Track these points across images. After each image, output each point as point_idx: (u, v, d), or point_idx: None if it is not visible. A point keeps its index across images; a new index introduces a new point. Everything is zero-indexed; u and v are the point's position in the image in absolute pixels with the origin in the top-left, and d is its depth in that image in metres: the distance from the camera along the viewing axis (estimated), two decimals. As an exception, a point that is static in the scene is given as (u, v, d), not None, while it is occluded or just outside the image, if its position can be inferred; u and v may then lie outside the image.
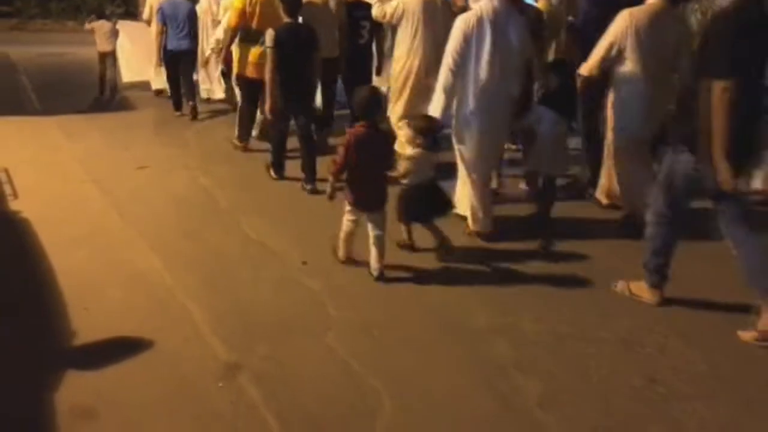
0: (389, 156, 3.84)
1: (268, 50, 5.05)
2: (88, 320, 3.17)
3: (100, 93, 8.96)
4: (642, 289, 3.45)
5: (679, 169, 3.17)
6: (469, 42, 3.89)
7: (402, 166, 3.82)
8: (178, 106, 7.85)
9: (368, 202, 3.69)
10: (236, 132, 6.40)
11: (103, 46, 8.78)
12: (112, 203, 4.89)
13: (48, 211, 4.64)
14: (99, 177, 5.53)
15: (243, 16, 5.72)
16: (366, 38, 6.44)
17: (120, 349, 2.94)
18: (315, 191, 5.02)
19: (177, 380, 2.73)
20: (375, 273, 3.65)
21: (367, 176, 3.64)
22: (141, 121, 8.10)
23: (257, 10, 5.69)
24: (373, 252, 3.66)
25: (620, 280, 3.56)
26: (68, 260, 3.82)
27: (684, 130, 3.15)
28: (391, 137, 4.65)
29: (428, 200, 3.86)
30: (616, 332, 3.16)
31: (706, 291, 3.54)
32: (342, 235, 3.81)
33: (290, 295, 3.51)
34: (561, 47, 5.28)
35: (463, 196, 4.29)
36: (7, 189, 5.08)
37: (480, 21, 3.90)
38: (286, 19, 5.16)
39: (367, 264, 3.71)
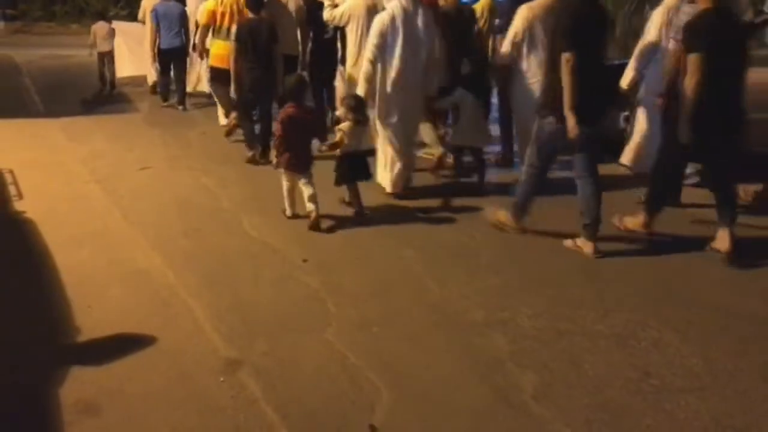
0: (317, 129, 4.72)
1: (233, 44, 5.78)
2: (92, 317, 3.22)
3: (102, 87, 9.73)
4: (506, 218, 4.28)
5: (545, 128, 3.98)
6: (385, 37, 4.64)
7: (337, 137, 4.53)
8: (165, 98, 8.61)
9: (298, 166, 4.47)
10: (221, 111, 7.21)
11: (101, 46, 9.46)
12: (114, 203, 4.96)
13: (52, 211, 4.70)
14: (102, 177, 5.60)
15: (213, 15, 6.43)
16: (330, 33, 6.88)
17: (122, 345, 2.99)
18: (269, 162, 5.52)
19: (178, 375, 2.78)
20: (311, 223, 4.41)
21: (296, 146, 4.43)
22: (144, 122, 8.17)
23: (227, 10, 6.38)
24: (309, 206, 4.44)
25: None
26: (72, 259, 3.88)
27: (547, 99, 4.01)
28: (316, 115, 5.65)
29: (357, 166, 4.62)
30: (612, 327, 3.20)
31: (700, 288, 3.57)
32: (285, 194, 4.60)
33: (290, 292, 3.56)
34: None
35: (381, 167, 5.03)
36: (12, 190, 5.15)
37: (393, 19, 4.64)
38: (249, 16, 5.83)
39: (307, 217, 4.44)
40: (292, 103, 4.51)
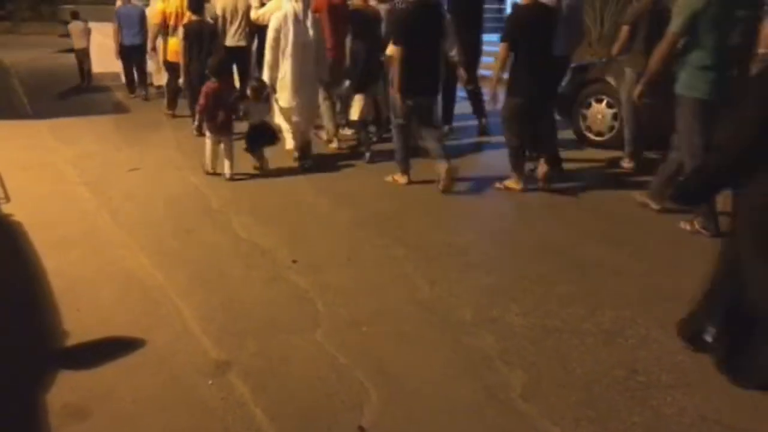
0: (233, 103, 5.75)
1: (181, 41, 6.96)
2: (80, 320, 3.21)
3: (81, 81, 10.73)
4: (397, 177, 5.48)
5: (396, 103, 5.23)
6: (279, 33, 5.63)
7: (242, 111, 5.74)
8: (131, 90, 9.66)
9: (219, 131, 5.62)
10: (165, 103, 8.28)
11: (78, 43, 10.49)
12: (103, 204, 4.94)
13: (40, 214, 4.68)
14: (91, 179, 5.57)
15: (163, 16, 7.63)
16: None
17: (111, 348, 2.98)
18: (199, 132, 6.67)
19: (168, 378, 2.78)
20: (227, 176, 5.55)
21: (217, 115, 5.57)
22: (132, 123, 8.14)
23: (173, 11, 7.52)
24: (226, 163, 5.58)
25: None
26: (60, 261, 3.87)
27: (392, 80, 5.23)
28: (233, 90, 6.55)
29: (260, 135, 5.73)
30: (600, 324, 3.22)
31: (687, 286, 3.59)
32: (208, 153, 5.70)
33: (280, 292, 3.56)
34: None
35: (286, 132, 6.21)
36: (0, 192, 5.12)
37: (286, 19, 5.61)
38: (192, 17, 6.95)
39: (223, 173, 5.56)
40: (216, 79, 5.64)
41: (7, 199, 5.00)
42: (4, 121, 7.86)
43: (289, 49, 5.60)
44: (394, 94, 5.18)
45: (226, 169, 5.57)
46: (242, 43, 7.60)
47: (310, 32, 5.70)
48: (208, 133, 5.68)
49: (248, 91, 5.87)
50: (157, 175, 5.79)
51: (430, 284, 3.65)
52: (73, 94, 9.95)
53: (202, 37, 6.87)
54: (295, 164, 5.98)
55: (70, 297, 3.44)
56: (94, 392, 2.65)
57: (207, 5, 7.29)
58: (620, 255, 4.05)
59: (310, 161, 6.03)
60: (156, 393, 2.67)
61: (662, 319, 3.25)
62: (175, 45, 7.36)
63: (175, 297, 3.47)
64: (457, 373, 2.83)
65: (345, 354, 2.94)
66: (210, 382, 2.74)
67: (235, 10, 7.42)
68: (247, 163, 5.80)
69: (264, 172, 5.78)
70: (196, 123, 6.07)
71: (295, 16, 5.59)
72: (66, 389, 2.67)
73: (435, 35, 5.21)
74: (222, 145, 5.62)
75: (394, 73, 5.11)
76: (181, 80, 7.32)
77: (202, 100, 5.56)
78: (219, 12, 7.38)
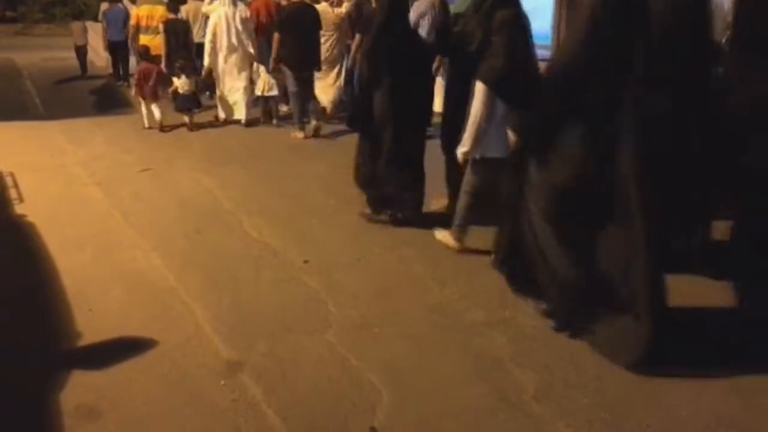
0: (163, 79, 7.57)
1: (162, 34, 8.26)
2: (92, 321, 3.23)
3: (82, 73, 12.06)
4: (297, 134, 7.14)
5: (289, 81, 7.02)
6: (215, 29, 7.35)
7: (175, 84, 7.47)
8: (117, 79, 11.01)
9: (151, 96, 7.48)
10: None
11: (78, 41, 12.14)
12: (115, 205, 4.96)
13: (52, 214, 4.71)
14: (102, 180, 5.60)
15: (136, 19, 9.23)
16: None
17: (123, 348, 2.99)
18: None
19: (179, 378, 2.78)
20: (159, 127, 7.42)
21: (148, 88, 7.42)
22: (143, 123, 8.16)
23: (145, 14, 9.13)
24: (157, 115, 7.42)
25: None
26: (72, 262, 3.89)
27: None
28: (161, 69, 7.85)
29: (188, 102, 7.55)
30: (613, 325, 3.19)
31: (700, 283, 3.56)
32: (144, 113, 7.53)
33: (291, 293, 3.56)
34: None
35: (222, 101, 7.88)
36: (13, 193, 5.16)
37: (220, 18, 7.33)
38: (170, 15, 8.43)
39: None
40: (144, 62, 7.67)
41: (20, 199, 5.04)
42: (18, 122, 7.92)
43: (224, 45, 7.40)
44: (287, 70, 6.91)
45: (159, 121, 7.49)
46: (203, 41, 8.53)
47: (239, 28, 7.38)
48: (141, 100, 7.57)
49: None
50: (168, 175, 5.81)
51: (440, 285, 3.64)
52: (87, 93, 10.29)
53: (178, 32, 8.27)
54: (218, 122, 7.88)
55: (82, 297, 3.46)
56: (106, 393, 2.66)
57: (182, 7, 8.92)
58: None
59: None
60: (168, 394, 2.68)
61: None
62: (149, 41, 8.68)
63: (187, 298, 3.48)
64: (468, 374, 2.81)
65: (356, 355, 2.93)
66: (222, 382, 2.75)
67: (195, 14, 8.98)
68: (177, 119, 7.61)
69: (190, 127, 7.58)
70: (133, 89, 8.03)
71: (227, 18, 7.31)
72: (78, 390, 2.69)
73: (311, 26, 6.91)
74: (153, 107, 7.49)
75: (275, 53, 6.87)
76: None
77: (137, 76, 7.58)
78: (184, 15, 8.90)
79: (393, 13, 4.30)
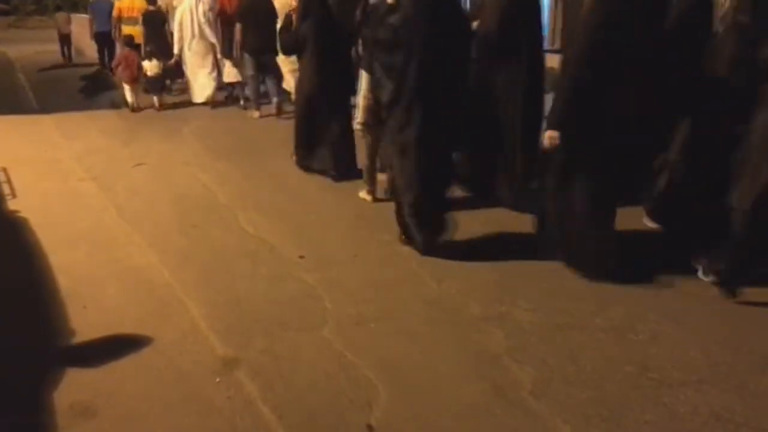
0: (138, 66, 8.33)
1: (142, 24, 8.99)
2: (87, 318, 3.20)
3: (64, 60, 13.07)
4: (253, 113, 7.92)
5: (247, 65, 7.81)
6: (181, 19, 8.14)
7: (147, 69, 8.33)
8: (103, 66, 11.47)
9: (127, 80, 8.31)
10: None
11: (62, 30, 13.12)
12: (110, 200, 4.93)
13: (46, 210, 4.67)
14: (97, 174, 5.57)
15: (118, 11, 9.88)
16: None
17: (118, 345, 2.97)
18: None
19: (175, 376, 2.77)
20: (132, 107, 8.33)
21: (128, 72, 8.25)
22: (138, 117, 8.12)
23: (126, 5, 9.78)
24: (130, 98, 8.33)
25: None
26: (67, 258, 3.86)
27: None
28: (138, 55, 8.58)
29: (155, 84, 8.48)
30: (610, 320, 3.18)
31: (697, 279, 3.55)
32: (127, 95, 8.33)
33: (287, 289, 3.54)
34: None
35: (189, 85, 8.73)
36: (6, 188, 5.13)
37: (185, 11, 8.09)
38: (149, 7, 9.05)
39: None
40: (127, 47, 8.60)
41: (14, 194, 5.00)
42: (11, 116, 7.87)
43: (188, 31, 8.15)
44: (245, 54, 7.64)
45: (132, 101, 8.33)
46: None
47: (202, 20, 8.12)
48: (124, 85, 8.42)
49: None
50: (163, 170, 5.77)
51: (437, 281, 3.62)
52: (80, 86, 10.43)
53: (155, 22, 9.02)
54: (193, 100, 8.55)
55: (76, 294, 3.43)
56: (101, 391, 2.64)
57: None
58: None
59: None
60: (163, 391, 2.66)
61: (673, 314, 3.21)
62: (132, 30, 9.48)
63: (182, 294, 3.46)
64: (466, 370, 2.80)
65: (353, 351, 2.92)
66: (217, 380, 2.73)
67: (171, 6, 9.81)
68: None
69: (160, 107, 8.47)
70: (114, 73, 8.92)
71: (191, 10, 8.07)
72: (73, 388, 2.67)
73: (267, 14, 7.52)
74: (131, 89, 8.33)
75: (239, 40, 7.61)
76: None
77: (116, 62, 8.60)
78: (163, 6, 9.71)
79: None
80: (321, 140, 5.36)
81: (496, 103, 4.44)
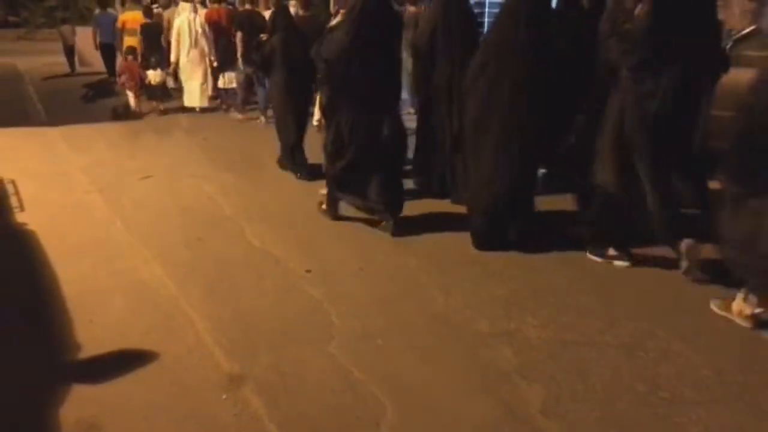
0: (141, 73, 9.19)
1: (140, 35, 9.85)
2: (93, 332, 3.19)
3: (71, 71, 13.76)
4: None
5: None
6: (179, 30, 8.94)
7: (151, 77, 9.19)
8: (110, 74, 12.06)
9: (131, 88, 9.01)
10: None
11: (68, 41, 13.85)
12: (116, 213, 4.93)
13: (53, 222, 4.68)
14: (103, 187, 5.58)
15: (122, 22, 10.66)
16: None
17: (124, 360, 2.95)
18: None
19: (181, 392, 2.74)
20: (135, 111, 9.05)
21: (130, 81, 8.99)
22: (145, 129, 8.16)
23: (128, 18, 10.64)
24: (132, 104, 9.07)
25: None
26: (73, 270, 3.85)
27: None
28: (139, 64, 9.38)
29: (157, 91, 9.34)
30: (619, 337, 3.15)
31: (708, 295, 3.52)
32: (131, 99, 9.10)
33: (293, 303, 3.52)
34: None
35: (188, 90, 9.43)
36: (14, 201, 5.13)
37: (183, 22, 8.91)
38: (146, 20, 10.02)
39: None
40: (130, 56, 9.32)
41: (21, 207, 5.01)
42: (20, 128, 7.91)
43: (186, 39, 8.92)
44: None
45: (133, 105, 9.07)
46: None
47: (199, 31, 8.95)
48: (127, 91, 9.15)
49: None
50: (169, 182, 5.78)
51: (444, 295, 3.60)
52: (88, 98, 10.72)
53: (151, 33, 9.89)
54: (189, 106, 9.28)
55: (82, 307, 3.42)
56: (107, 406, 2.62)
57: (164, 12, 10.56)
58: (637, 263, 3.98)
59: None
60: (169, 408, 2.64)
61: (683, 331, 3.18)
62: (134, 41, 10.14)
63: (188, 308, 3.44)
64: (474, 387, 2.77)
65: (360, 368, 2.89)
66: (223, 396, 2.71)
67: (172, 19, 10.33)
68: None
69: (162, 111, 9.19)
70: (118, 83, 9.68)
71: (189, 22, 8.90)
72: (79, 403, 2.64)
73: (260, 28, 7.61)
74: (133, 95, 9.06)
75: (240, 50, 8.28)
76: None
77: (119, 71, 9.46)
78: (165, 19, 10.32)
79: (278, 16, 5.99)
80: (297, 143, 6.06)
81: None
